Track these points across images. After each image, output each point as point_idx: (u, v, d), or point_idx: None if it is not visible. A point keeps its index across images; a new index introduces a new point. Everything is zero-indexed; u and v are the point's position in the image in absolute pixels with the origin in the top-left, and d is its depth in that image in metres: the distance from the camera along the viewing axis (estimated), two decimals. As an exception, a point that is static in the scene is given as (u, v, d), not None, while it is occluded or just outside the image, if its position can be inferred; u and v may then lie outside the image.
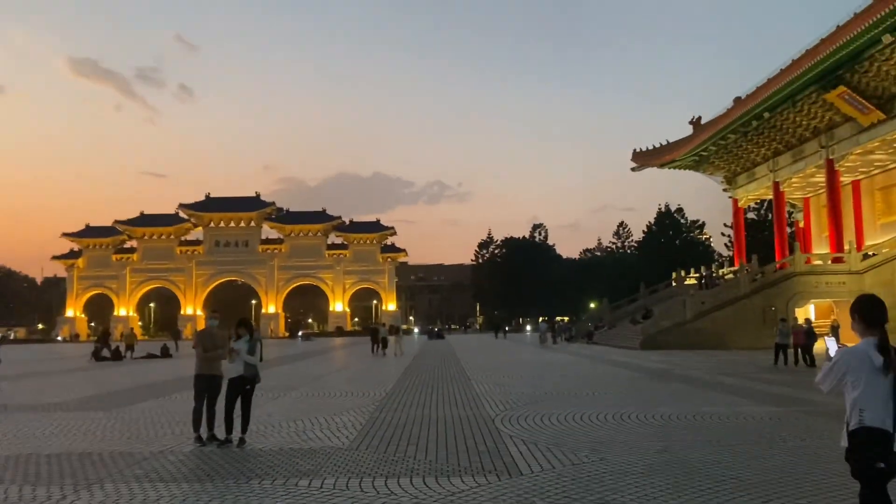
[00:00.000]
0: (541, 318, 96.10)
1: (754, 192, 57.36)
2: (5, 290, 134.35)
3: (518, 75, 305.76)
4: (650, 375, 22.31)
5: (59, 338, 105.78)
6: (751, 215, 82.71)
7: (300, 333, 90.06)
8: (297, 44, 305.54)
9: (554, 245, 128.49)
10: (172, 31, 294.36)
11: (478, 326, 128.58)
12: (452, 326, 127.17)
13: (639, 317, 49.51)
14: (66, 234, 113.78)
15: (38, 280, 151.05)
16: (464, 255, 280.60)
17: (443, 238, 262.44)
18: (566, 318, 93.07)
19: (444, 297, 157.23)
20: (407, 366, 28.94)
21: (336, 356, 40.55)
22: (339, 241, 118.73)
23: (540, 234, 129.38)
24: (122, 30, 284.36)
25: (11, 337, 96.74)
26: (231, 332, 10.68)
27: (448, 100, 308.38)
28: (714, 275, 53.29)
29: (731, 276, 49.86)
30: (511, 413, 13.52)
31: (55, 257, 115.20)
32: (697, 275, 55.23)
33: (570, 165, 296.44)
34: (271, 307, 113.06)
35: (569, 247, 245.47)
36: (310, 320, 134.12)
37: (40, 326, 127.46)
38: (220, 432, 10.51)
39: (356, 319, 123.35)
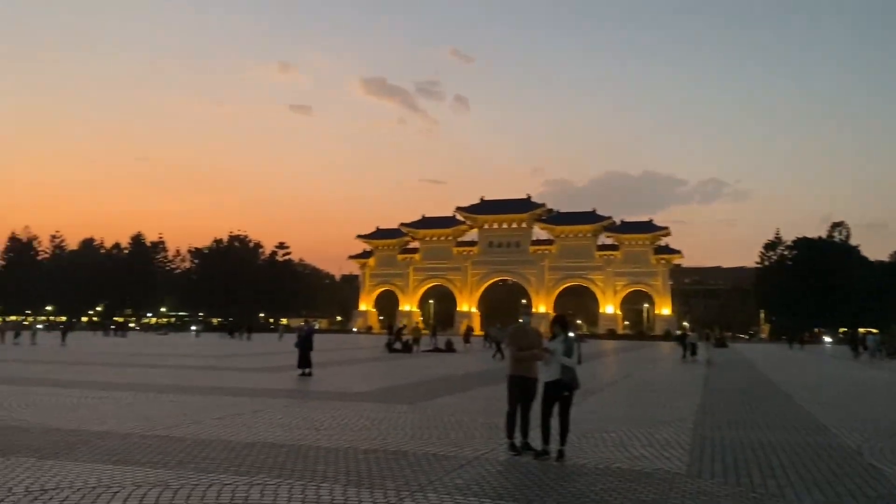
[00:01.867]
0: (841, 329, 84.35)
1: None
2: (310, 285, 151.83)
3: (803, 58, 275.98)
4: None
5: (353, 329, 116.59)
6: None
7: (573, 335, 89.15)
8: (563, 48, 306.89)
9: (858, 246, 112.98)
10: (450, 45, 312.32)
11: (763, 335, 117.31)
12: (739, 335, 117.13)
13: None
14: (359, 236, 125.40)
15: (337, 277, 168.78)
16: (742, 257, 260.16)
17: (719, 239, 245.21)
18: (874, 331, 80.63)
19: (722, 303, 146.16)
20: (706, 375, 26.20)
21: (619, 360, 38.63)
22: (609, 241, 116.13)
23: (840, 233, 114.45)
24: (406, 48, 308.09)
25: (316, 327, 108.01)
26: (550, 331, 9.60)
27: (724, 92, 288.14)
28: None
29: None
30: (879, 444, 10.79)
31: (351, 257, 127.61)
32: None
33: (870, 155, 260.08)
34: (541, 307, 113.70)
35: (875, 248, 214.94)
36: (579, 322, 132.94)
37: (338, 318, 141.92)
38: (534, 441, 9.48)
39: (626, 323, 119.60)
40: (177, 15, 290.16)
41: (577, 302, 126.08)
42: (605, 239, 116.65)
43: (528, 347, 9.49)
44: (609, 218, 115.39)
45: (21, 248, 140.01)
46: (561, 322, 9.61)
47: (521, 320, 10.07)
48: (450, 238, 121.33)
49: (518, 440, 9.51)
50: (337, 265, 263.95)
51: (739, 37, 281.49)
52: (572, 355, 9.32)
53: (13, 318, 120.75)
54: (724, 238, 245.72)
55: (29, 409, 13.20)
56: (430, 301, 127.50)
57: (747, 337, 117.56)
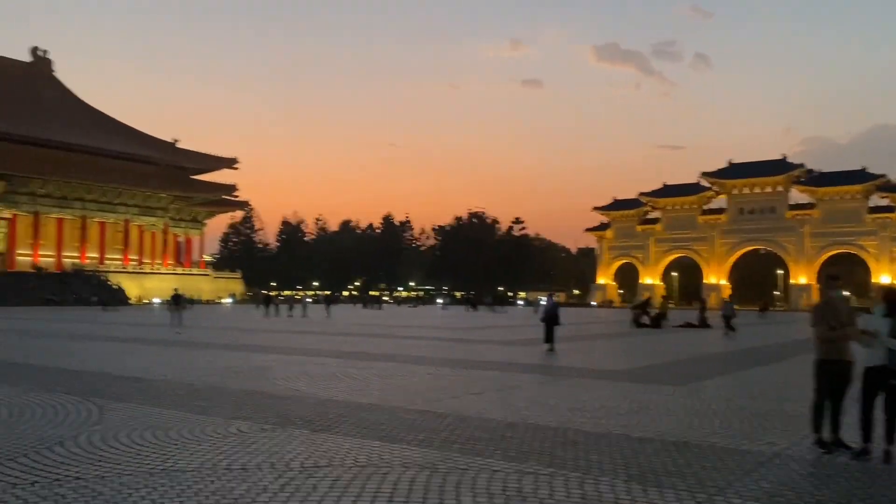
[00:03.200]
0: None
1: None
2: (547, 259, 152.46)
3: None
4: None
5: (592, 303, 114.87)
6: None
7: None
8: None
9: None
10: (687, 3, 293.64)
11: None
12: None
13: None
14: (596, 208, 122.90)
15: (573, 250, 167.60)
16: None
17: None
18: None
19: None
20: None
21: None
22: (884, 202, 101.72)
23: None
24: (640, 9, 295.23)
25: (556, 299, 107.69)
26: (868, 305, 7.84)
27: None
28: None
29: None
30: None
31: (587, 230, 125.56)
32: None
33: None
34: (802, 278, 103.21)
35: None
36: (846, 294, 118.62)
37: (576, 292, 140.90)
38: (846, 436, 7.83)
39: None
40: (415, 6, 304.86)
41: (844, 271, 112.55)
42: (878, 200, 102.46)
43: (840, 326, 7.82)
44: (882, 176, 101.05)
45: (291, 230, 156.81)
46: (889, 297, 7.77)
47: (829, 294, 8.37)
48: (694, 206, 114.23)
49: (827, 435, 7.92)
50: (573, 238, 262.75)
51: None
52: (904, 336, 7.48)
53: (287, 293, 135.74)
54: None
55: (302, 378, 13.96)
56: (674, 273, 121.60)
57: None
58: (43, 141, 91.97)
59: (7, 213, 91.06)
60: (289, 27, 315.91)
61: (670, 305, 43.26)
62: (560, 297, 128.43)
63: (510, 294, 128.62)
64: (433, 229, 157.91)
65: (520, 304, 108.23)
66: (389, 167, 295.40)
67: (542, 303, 23.93)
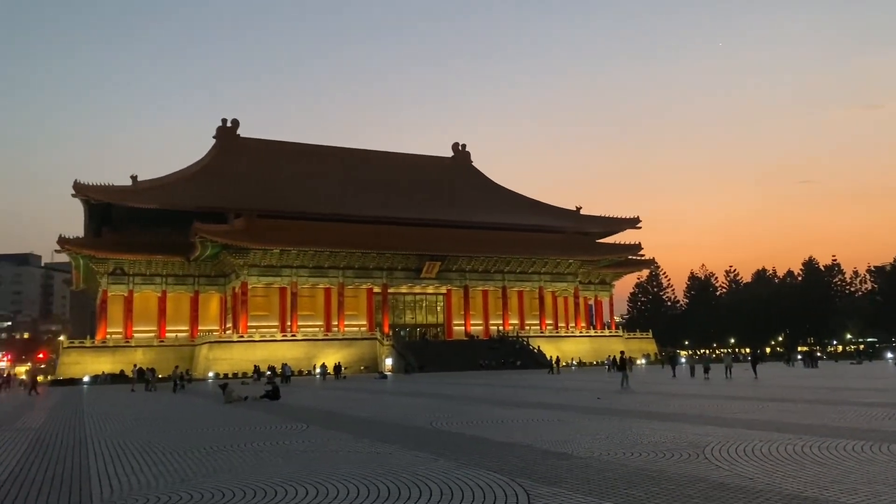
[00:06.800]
0: None
1: None
2: None
3: None
4: None
5: None
6: None
7: None
8: None
9: None
10: None
11: None
12: None
13: None
14: None
15: None
16: None
17: None
18: None
19: None
20: None
21: None
22: None
23: None
24: None
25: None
26: None
27: None
28: None
29: None
30: None
31: None
32: None
33: None
34: None
35: None
36: None
37: None
38: None
39: None
40: (815, 23, 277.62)
41: None
42: None
43: None
44: None
45: (700, 286, 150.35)
46: None
47: None
48: None
49: None
50: None
51: None
52: None
53: (702, 351, 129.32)
54: None
55: (750, 461, 11.50)
56: None
57: None
58: (468, 223, 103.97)
59: (443, 289, 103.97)
60: (668, 74, 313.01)
61: None
62: None
63: None
64: (868, 271, 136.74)
65: None
66: (804, 207, 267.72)
67: None
